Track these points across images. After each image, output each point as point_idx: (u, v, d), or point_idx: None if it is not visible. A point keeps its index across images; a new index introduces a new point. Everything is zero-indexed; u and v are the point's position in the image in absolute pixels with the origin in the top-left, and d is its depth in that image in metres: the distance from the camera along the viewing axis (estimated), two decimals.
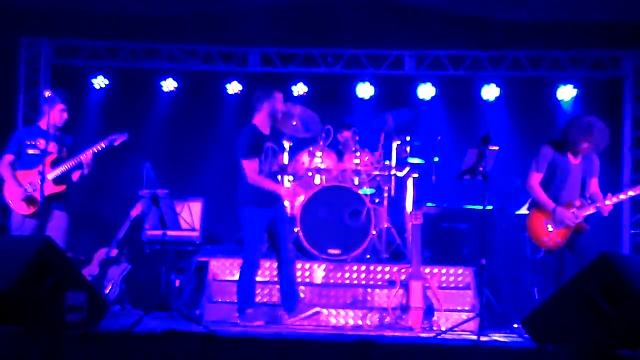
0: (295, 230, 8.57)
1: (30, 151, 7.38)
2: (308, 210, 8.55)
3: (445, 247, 8.86)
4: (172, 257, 8.73)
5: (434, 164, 9.47)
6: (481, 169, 6.98)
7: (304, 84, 10.52)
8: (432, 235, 8.88)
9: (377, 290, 8.04)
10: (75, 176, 7.44)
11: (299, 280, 8.22)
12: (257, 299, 7.94)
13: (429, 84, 10.48)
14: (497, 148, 7.56)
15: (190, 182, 10.16)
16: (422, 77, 10.41)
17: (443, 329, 7.21)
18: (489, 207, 8.75)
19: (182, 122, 10.76)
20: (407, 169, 9.17)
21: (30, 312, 5.69)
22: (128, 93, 10.60)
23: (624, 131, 9.91)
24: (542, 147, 7.13)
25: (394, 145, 9.14)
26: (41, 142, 7.36)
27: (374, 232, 8.57)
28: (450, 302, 7.89)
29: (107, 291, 8.41)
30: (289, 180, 8.96)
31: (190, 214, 8.91)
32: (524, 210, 8.75)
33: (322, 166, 8.91)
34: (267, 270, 8.33)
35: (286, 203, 7.56)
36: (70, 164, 7.31)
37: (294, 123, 9.13)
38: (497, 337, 6.92)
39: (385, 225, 8.85)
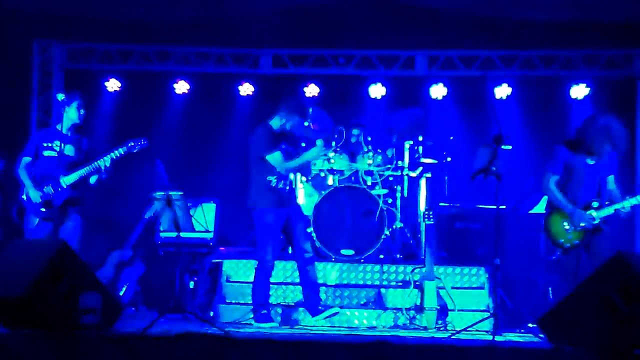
0: (309, 230, 8.57)
1: (46, 153, 7.36)
2: (321, 210, 8.55)
3: (459, 247, 8.83)
4: (186, 259, 8.75)
5: (446, 164, 9.45)
6: (494, 168, 6.95)
7: (316, 85, 10.51)
8: (446, 236, 8.86)
9: (391, 291, 8.03)
10: (93, 181, 7.41)
11: None
12: (271, 300, 7.95)
13: (440, 84, 10.45)
14: (510, 147, 7.54)
15: (204, 183, 10.18)
16: (434, 77, 10.38)
17: (457, 329, 7.18)
18: (503, 207, 8.72)
19: (195, 124, 10.78)
20: (420, 169, 9.15)
21: (45, 315, 5.72)
22: (141, 96, 10.62)
23: (637, 130, 9.84)
24: (557, 148, 7.07)
25: (407, 145, 9.12)
26: (58, 145, 7.35)
27: (387, 233, 8.57)
28: (464, 302, 7.85)
29: (122, 293, 8.43)
30: (301, 181, 8.96)
31: (204, 216, 8.94)
32: (537, 210, 8.73)
33: (335, 167, 8.91)
34: (280, 272, 8.32)
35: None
36: (88, 168, 7.30)
37: (306, 124, 9.13)
38: (512, 337, 6.90)
39: (399, 226, 8.84)
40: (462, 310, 7.69)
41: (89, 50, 10.34)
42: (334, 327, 7.60)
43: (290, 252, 8.74)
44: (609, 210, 6.93)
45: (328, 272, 8.31)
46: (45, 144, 7.38)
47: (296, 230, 7.31)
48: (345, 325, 7.68)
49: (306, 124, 9.08)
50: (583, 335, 5.57)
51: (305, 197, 9.00)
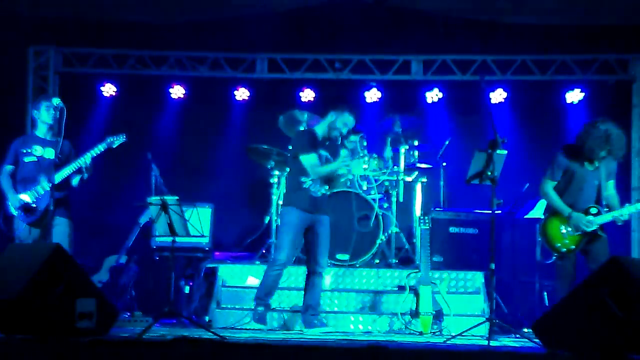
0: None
1: (27, 159, 7.37)
2: None
3: (454, 252, 8.83)
4: (181, 264, 8.74)
5: (442, 169, 9.47)
6: (489, 173, 6.96)
7: (312, 89, 10.52)
8: (441, 240, 8.86)
9: (387, 296, 8.04)
10: (76, 182, 7.40)
11: None
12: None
13: (436, 89, 10.46)
14: (505, 152, 7.53)
15: (199, 188, 10.17)
16: (429, 81, 10.40)
17: (453, 333, 7.19)
18: (498, 212, 8.73)
19: (191, 129, 10.78)
20: (416, 173, 9.16)
21: (40, 319, 5.70)
22: (136, 100, 10.62)
23: (631, 135, 9.87)
24: (558, 154, 7.09)
25: (402, 150, 9.14)
26: (37, 149, 7.38)
27: (383, 238, 8.57)
28: (459, 307, 7.87)
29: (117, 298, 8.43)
30: None
31: (200, 220, 8.93)
32: (533, 215, 8.75)
33: None
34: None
35: None
36: (69, 168, 7.30)
37: (302, 129, 9.14)
38: (507, 341, 6.90)
39: (394, 231, 8.84)
40: (458, 315, 7.70)
41: (84, 54, 10.33)
42: (330, 332, 7.60)
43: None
44: (607, 217, 6.96)
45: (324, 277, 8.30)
46: (24, 150, 7.37)
47: (317, 241, 7.24)
48: (340, 330, 7.68)
49: (302, 128, 9.12)
50: (578, 340, 5.57)
51: None
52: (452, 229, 8.95)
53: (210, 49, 10.35)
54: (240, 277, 8.37)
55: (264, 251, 9.10)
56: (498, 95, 10.33)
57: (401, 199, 9.08)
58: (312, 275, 7.27)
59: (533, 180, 8.72)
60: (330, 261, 8.42)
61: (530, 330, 6.28)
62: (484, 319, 7.07)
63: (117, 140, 7.45)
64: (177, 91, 10.62)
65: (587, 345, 5.50)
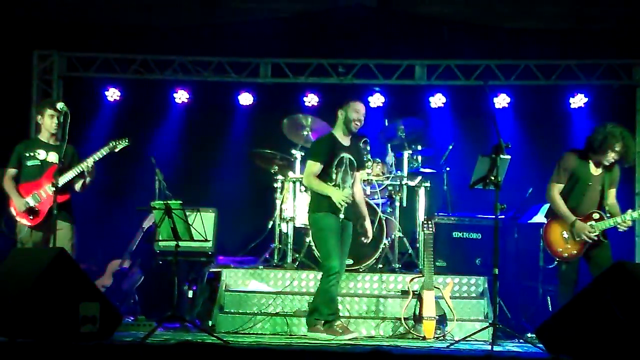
0: (307, 240, 8.57)
1: (29, 163, 7.39)
2: None
3: (458, 256, 8.82)
4: (185, 268, 8.74)
5: (446, 174, 9.46)
6: (493, 178, 6.96)
7: (315, 94, 10.53)
8: (445, 245, 8.85)
9: (390, 300, 8.02)
10: (78, 186, 7.43)
11: (311, 290, 8.22)
12: (269, 309, 7.94)
13: (439, 94, 10.46)
14: (509, 157, 7.53)
15: (203, 192, 10.18)
16: (433, 86, 10.40)
17: (456, 338, 7.19)
18: (501, 217, 8.72)
19: (195, 133, 10.79)
20: (419, 178, 9.16)
21: (43, 323, 5.72)
22: (140, 104, 10.64)
23: (636, 140, 9.86)
24: (565, 156, 7.11)
25: (405, 154, 9.13)
26: (40, 153, 7.41)
27: (386, 242, 8.56)
28: (463, 312, 7.87)
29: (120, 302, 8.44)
30: (300, 190, 8.97)
31: (203, 225, 8.92)
32: (536, 219, 8.74)
33: None
34: (279, 281, 8.33)
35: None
36: (72, 172, 7.32)
37: (305, 133, 9.16)
38: (511, 346, 6.90)
39: (398, 235, 8.84)
40: (461, 320, 7.70)
41: (88, 59, 10.36)
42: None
43: (275, 260, 8.81)
44: (609, 223, 6.96)
45: None
46: (27, 154, 7.41)
47: (341, 246, 7.18)
48: (344, 339, 7.66)
49: (305, 133, 9.13)
50: (581, 345, 5.57)
51: (303, 206, 8.99)
52: (456, 234, 8.93)
53: (214, 54, 10.37)
54: (244, 281, 8.37)
55: (267, 256, 9.10)
56: (502, 100, 10.33)
57: (405, 204, 9.07)
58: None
59: (536, 185, 8.73)
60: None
61: (534, 335, 6.29)
62: (488, 323, 7.07)
63: (120, 145, 7.47)
64: (181, 95, 10.63)
65: (590, 351, 5.51)
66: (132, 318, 8.27)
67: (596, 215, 6.99)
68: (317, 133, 9.03)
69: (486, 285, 8.13)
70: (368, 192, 8.86)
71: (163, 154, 10.10)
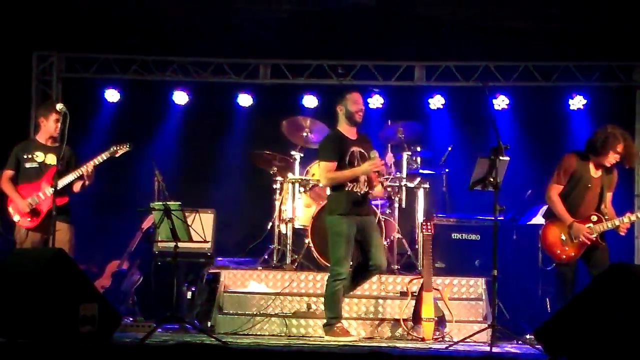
0: (307, 241, 8.57)
1: (28, 165, 7.43)
2: (319, 221, 8.54)
3: (457, 258, 8.82)
4: (184, 269, 8.74)
5: (445, 175, 9.47)
6: (492, 179, 6.97)
7: (314, 95, 10.54)
8: (444, 246, 8.85)
9: (389, 302, 8.03)
10: (77, 188, 7.44)
11: (310, 291, 8.23)
12: (269, 310, 7.95)
13: (438, 96, 10.47)
14: (508, 159, 7.54)
15: (202, 193, 10.18)
16: (432, 87, 10.41)
17: (455, 340, 7.20)
18: (500, 218, 8.72)
19: (194, 134, 10.80)
20: (418, 179, 9.16)
21: (42, 324, 5.72)
22: (140, 105, 10.64)
23: (635, 142, 9.87)
24: (566, 158, 7.13)
25: (405, 156, 9.14)
26: (39, 155, 7.43)
27: (385, 243, 8.56)
28: (462, 313, 7.88)
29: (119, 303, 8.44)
30: (299, 192, 8.98)
31: (202, 225, 8.93)
32: (535, 221, 8.74)
33: None
34: (278, 282, 8.33)
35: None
36: (71, 176, 7.33)
37: (305, 134, 9.17)
38: (509, 348, 6.90)
39: (397, 236, 8.84)
40: (460, 321, 7.70)
41: (87, 59, 10.37)
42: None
43: (274, 261, 8.80)
44: (607, 226, 6.97)
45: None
46: (25, 156, 7.43)
47: (370, 241, 7.11)
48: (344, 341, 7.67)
49: (305, 134, 9.14)
50: (579, 347, 5.58)
51: (302, 207, 9.00)
52: (455, 235, 8.94)
53: (214, 55, 10.38)
54: (243, 282, 8.38)
55: (266, 257, 9.11)
56: (501, 102, 10.33)
57: (404, 205, 9.08)
58: (370, 275, 7.22)
59: (535, 187, 8.73)
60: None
61: (532, 336, 6.30)
62: (486, 325, 7.09)
63: (121, 150, 7.50)
64: (181, 96, 10.64)
65: (589, 352, 5.51)
66: (131, 319, 8.27)
67: (594, 218, 7.00)
68: (317, 134, 9.05)
69: (485, 287, 8.14)
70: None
71: (162, 155, 10.11)
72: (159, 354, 5.66)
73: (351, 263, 7.26)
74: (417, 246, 8.91)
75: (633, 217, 7.00)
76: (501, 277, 7.63)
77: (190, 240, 6.86)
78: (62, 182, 7.24)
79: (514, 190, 8.92)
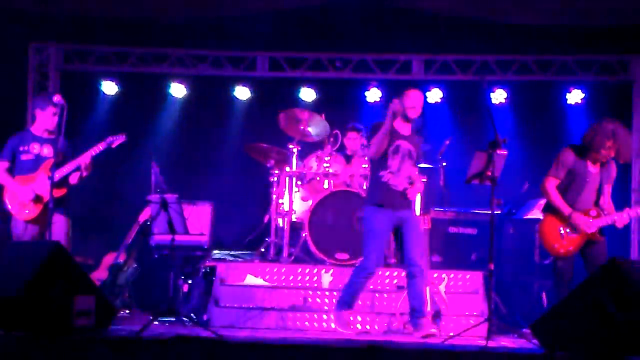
0: (303, 235, 8.59)
1: (24, 157, 7.43)
2: (316, 214, 8.59)
3: (454, 252, 8.85)
4: (181, 262, 8.77)
5: (442, 169, 9.47)
6: (489, 173, 6.97)
7: (313, 89, 10.54)
8: (440, 240, 8.87)
9: (385, 295, 8.05)
10: (74, 179, 7.45)
11: (307, 285, 8.25)
12: (265, 303, 7.97)
13: (436, 89, 10.48)
14: (505, 152, 7.54)
15: (199, 186, 10.20)
16: (430, 81, 10.41)
17: (451, 334, 7.20)
18: (497, 212, 8.74)
19: (192, 127, 10.82)
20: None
21: (39, 316, 5.75)
22: (137, 98, 10.66)
23: (633, 136, 9.87)
24: (563, 152, 7.13)
25: None
26: (35, 147, 7.44)
27: None
28: (458, 307, 7.89)
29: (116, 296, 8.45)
30: (296, 185, 9.00)
31: (199, 219, 8.96)
32: (532, 215, 8.77)
33: (330, 170, 8.94)
34: (275, 275, 8.35)
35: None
36: (68, 167, 7.34)
37: (302, 127, 9.17)
38: (505, 342, 6.92)
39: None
40: (456, 315, 7.73)
41: (85, 52, 10.37)
42: (328, 330, 7.63)
43: (271, 255, 8.84)
44: (606, 220, 6.99)
45: (322, 276, 8.33)
46: (21, 148, 7.44)
47: (406, 240, 7.09)
48: (339, 329, 7.70)
49: (302, 127, 9.14)
50: (575, 341, 5.61)
51: (299, 201, 9.03)
52: (452, 229, 8.96)
53: (211, 47, 10.38)
54: (239, 275, 8.39)
55: (262, 250, 9.13)
56: (498, 96, 10.34)
57: None
58: (409, 278, 7.12)
59: (533, 181, 8.75)
60: (329, 260, 8.45)
61: (529, 330, 6.31)
62: (483, 319, 7.10)
63: (117, 140, 7.51)
64: (178, 89, 10.64)
65: (585, 346, 5.54)
66: (128, 312, 8.29)
67: (593, 213, 7.01)
68: (314, 127, 9.07)
69: (481, 281, 8.16)
70: (365, 187, 8.86)
71: (159, 147, 10.13)
72: (155, 347, 5.68)
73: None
74: None
75: (632, 214, 7.01)
76: (498, 271, 7.66)
77: (187, 233, 6.87)
78: (60, 174, 7.25)
79: (512, 184, 8.96)
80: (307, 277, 8.30)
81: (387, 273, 8.30)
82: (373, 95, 10.51)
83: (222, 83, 10.64)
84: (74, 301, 5.86)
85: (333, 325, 7.34)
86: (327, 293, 8.12)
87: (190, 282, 8.71)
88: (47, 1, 9.76)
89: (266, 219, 9.24)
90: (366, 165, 8.90)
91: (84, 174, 7.42)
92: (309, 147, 9.33)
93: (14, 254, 6.37)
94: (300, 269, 8.38)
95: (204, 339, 5.96)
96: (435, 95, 10.52)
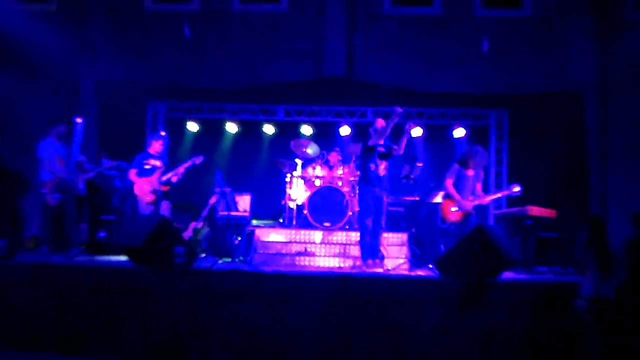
0: (304, 212, 8.57)
1: (146, 167, 7.47)
2: (312, 200, 8.58)
3: (390, 221, 8.81)
4: (234, 227, 8.74)
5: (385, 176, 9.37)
6: (412, 176, 7.03)
7: (310, 126, 10.46)
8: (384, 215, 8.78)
9: (352, 246, 8.02)
10: (173, 180, 7.51)
11: (306, 240, 8.14)
12: (283, 251, 7.90)
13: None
14: (421, 164, 7.59)
15: (244, 184, 10.06)
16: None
17: (389, 268, 7.25)
18: (416, 198, 8.78)
19: (239, 150, 10.62)
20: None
21: (154, 258, 5.82)
22: (208, 133, 10.50)
23: (490, 156, 9.91)
24: (453, 164, 7.20)
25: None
26: (151, 161, 7.48)
27: (350, 213, 8.58)
28: (393, 254, 7.86)
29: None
30: (301, 183, 8.94)
31: (244, 202, 8.90)
32: (436, 200, 8.79)
33: (320, 174, 8.94)
34: (288, 235, 8.24)
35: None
36: (170, 174, 7.38)
37: (304, 150, 9.18)
38: (420, 273, 6.98)
39: (357, 209, 8.82)
40: (392, 258, 7.71)
41: (179, 106, 10.28)
42: (320, 267, 7.61)
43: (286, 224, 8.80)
44: (477, 202, 7.05)
45: (315, 236, 8.26)
46: (144, 162, 7.47)
47: (375, 207, 6.85)
48: (325, 267, 7.73)
49: (304, 150, 9.09)
50: (458, 271, 5.70)
51: (302, 192, 9.02)
52: (390, 207, 8.95)
53: (250, 102, 10.24)
54: (267, 235, 8.36)
55: (280, 220, 9.05)
56: (416, 131, 10.23)
57: None
58: (373, 230, 6.83)
59: (437, 180, 8.74)
60: (320, 226, 8.40)
61: (433, 266, 6.38)
62: (407, 260, 7.13)
63: (198, 159, 7.55)
64: (232, 128, 10.55)
65: (464, 275, 5.63)
66: (204, 255, 8.26)
67: (470, 198, 7.09)
68: (312, 150, 9.00)
69: (407, 238, 8.17)
70: (340, 184, 8.76)
71: (221, 162, 10.05)
72: (220, 276, 5.73)
73: None
74: None
75: (489, 198, 7.06)
76: (416, 232, 7.69)
77: (237, 210, 6.84)
78: (165, 178, 7.30)
79: (425, 182, 8.94)
80: (307, 236, 8.23)
81: (354, 234, 8.16)
82: (344, 130, 10.43)
83: (257, 124, 10.56)
84: (173, 249, 5.90)
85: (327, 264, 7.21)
86: (318, 245, 8.09)
87: (239, 238, 8.68)
88: (157, 78, 9.77)
89: (283, 203, 9.22)
90: (341, 172, 8.90)
91: (175, 178, 7.46)
92: (308, 161, 9.32)
93: (139, 222, 6.43)
94: (302, 231, 8.33)
95: (248, 272, 6.01)
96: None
